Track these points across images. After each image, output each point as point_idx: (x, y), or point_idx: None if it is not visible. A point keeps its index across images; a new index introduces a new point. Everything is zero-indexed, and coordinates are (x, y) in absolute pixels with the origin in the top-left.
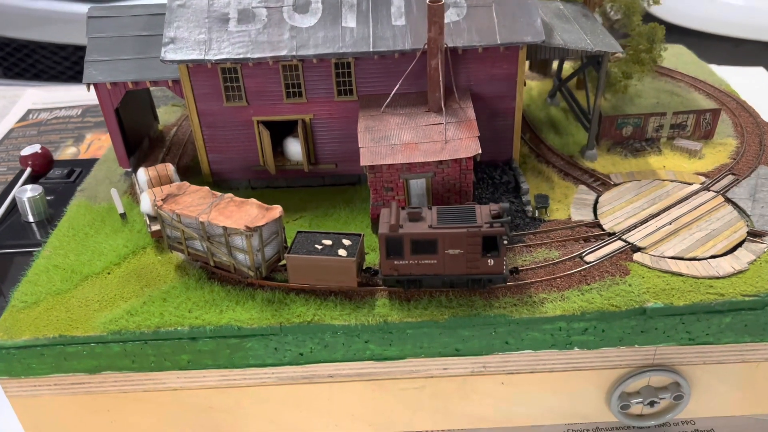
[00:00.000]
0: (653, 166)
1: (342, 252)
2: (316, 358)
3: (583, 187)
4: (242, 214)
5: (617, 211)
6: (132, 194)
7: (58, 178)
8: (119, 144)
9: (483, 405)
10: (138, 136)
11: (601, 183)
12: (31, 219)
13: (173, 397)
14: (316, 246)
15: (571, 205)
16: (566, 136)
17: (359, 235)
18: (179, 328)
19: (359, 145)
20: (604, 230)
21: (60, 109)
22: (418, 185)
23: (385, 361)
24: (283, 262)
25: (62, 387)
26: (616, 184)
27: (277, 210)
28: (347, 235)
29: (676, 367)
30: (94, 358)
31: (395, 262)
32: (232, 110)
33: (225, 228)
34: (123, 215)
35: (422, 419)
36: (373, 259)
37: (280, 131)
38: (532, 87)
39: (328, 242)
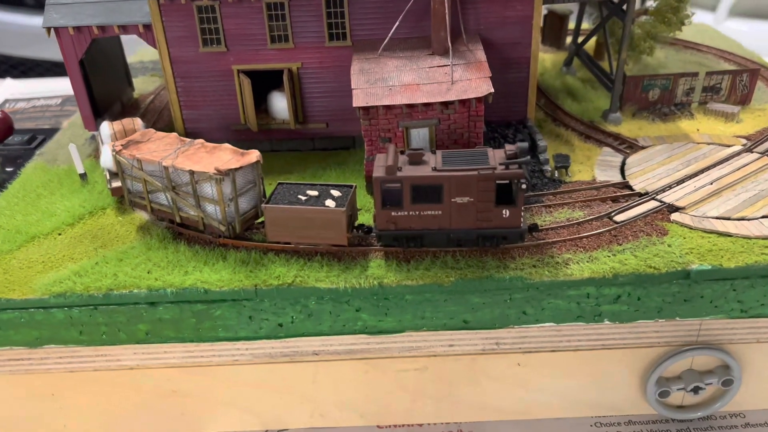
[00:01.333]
0: (685, 130)
1: (330, 203)
2: (298, 331)
3: (607, 149)
4: (213, 159)
5: (648, 172)
6: (97, 157)
7: (18, 144)
8: (84, 102)
9: (495, 392)
10: (108, 98)
11: (628, 146)
12: None
13: (130, 377)
14: (300, 197)
15: (595, 166)
16: (585, 102)
17: (351, 186)
18: (135, 291)
19: (352, 86)
20: (634, 191)
21: (39, 99)
22: (419, 135)
23: (380, 335)
24: (262, 219)
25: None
26: (644, 147)
27: (253, 154)
28: (337, 186)
29: (725, 345)
30: (34, 327)
31: (392, 214)
32: (209, 57)
33: (192, 173)
34: (83, 176)
35: (423, 409)
36: (367, 220)
37: (264, 85)
38: (546, 59)
39: (314, 193)
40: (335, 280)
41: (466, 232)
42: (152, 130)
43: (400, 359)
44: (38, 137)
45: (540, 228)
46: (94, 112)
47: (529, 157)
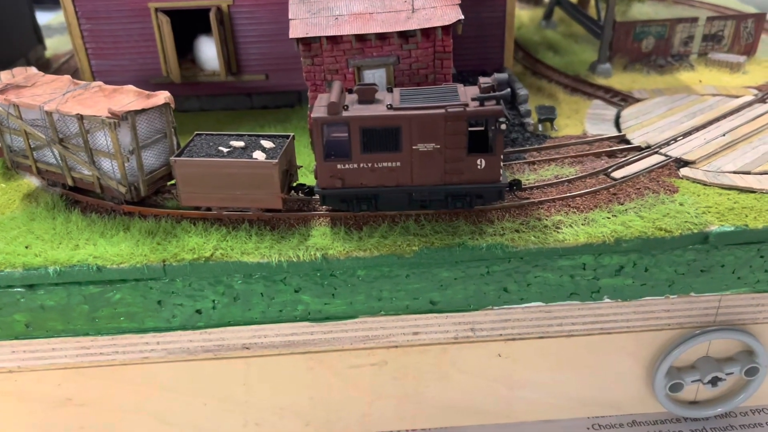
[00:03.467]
0: (686, 82)
1: (259, 155)
2: (222, 319)
3: (597, 101)
4: (111, 103)
5: (647, 125)
6: None
7: None
8: None
9: (471, 389)
10: (7, 52)
11: (621, 98)
12: None
13: (11, 384)
14: (221, 149)
15: (585, 119)
16: (569, 55)
17: (287, 135)
18: (7, 271)
19: (290, 16)
20: (632, 144)
21: None
22: (375, 77)
23: (327, 321)
24: (174, 181)
25: None
26: (639, 100)
27: (161, 95)
28: (269, 137)
29: (749, 326)
30: None
31: (338, 167)
32: None
33: (80, 118)
34: None
35: (382, 413)
36: (310, 180)
37: (190, 29)
38: (522, 15)
39: (239, 144)
40: (266, 252)
41: (431, 190)
42: (39, 73)
43: (353, 352)
44: None
45: (524, 186)
46: None
47: (509, 89)
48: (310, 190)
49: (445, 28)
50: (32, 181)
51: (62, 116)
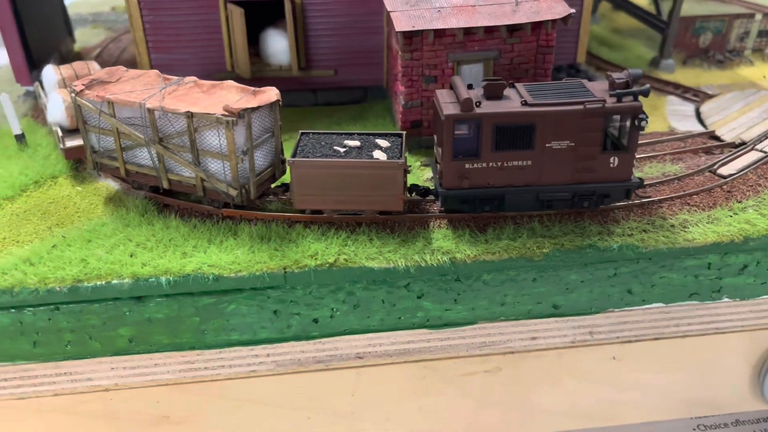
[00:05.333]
0: (749, 77)
1: (379, 155)
2: (338, 328)
3: (672, 97)
4: (215, 100)
5: (731, 121)
6: (36, 116)
7: None
8: (16, 50)
9: (582, 394)
10: (44, 48)
11: (693, 94)
12: None
13: (104, 402)
14: (336, 148)
15: (667, 115)
16: (623, 50)
17: (399, 134)
18: (115, 282)
19: (387, 8)
20: (724, 141)
21: None
22: (471, 73)
23: (445, 328)
24: (279, 182)
25: None
26: (712, 95)
27: (271, 91)
28: (382, 135)
29: None
30: None
31: (466, 167)
32: None
33: (190, 116)
34: (20, 137)
35: (487, 421)
36: (412, 181)
37: (253, 22)
38: None
39: (354, 143)
40: (392, 257)
41: (559, 189)
42: (122, 68)
43: (468, 359)
44: None
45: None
46: (29, 64)
47: (648, 86)
48: (425, 191)
49: (553, 23)
50: (110, 184)
51: (166, 114)
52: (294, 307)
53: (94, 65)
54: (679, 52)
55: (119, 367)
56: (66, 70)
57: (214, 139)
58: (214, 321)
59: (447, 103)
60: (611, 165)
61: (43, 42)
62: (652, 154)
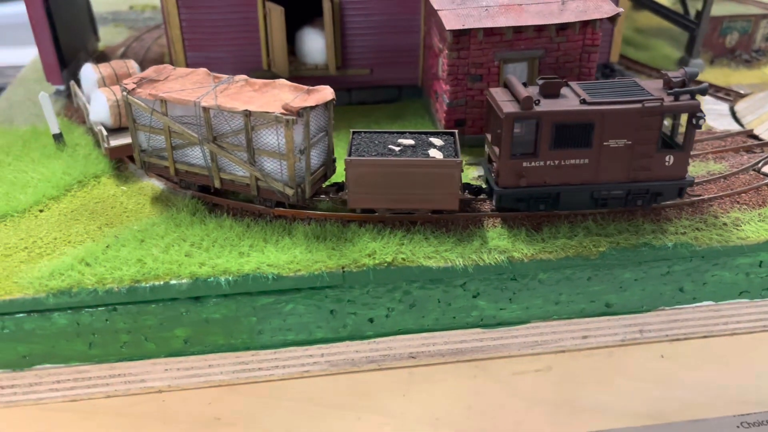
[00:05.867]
0: None
1: (435, 153)
2: (393, 327)
3: (706, 97)
4: (270, 99)
5: (767, 120)
6: (69, 116)
7: None
8: (48, 49)
9: (629, 392)
10: (72, 47)
11: (725, 93)
12: None
13: (156, 404)
14: (391, 147)
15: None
16: (649, 50)
17: (452, 132)
18: (173, 282)
19: (435, 7)
20: (761, 139)
21: None
22: (517, 71)
23: (499, 327)
24: (331, 181)
25: None
26: (744, 95)
27: (326, 90)
28: (434, 133)
29: None
30: (22, 340)
31: (524, 165)
32: None
33: (248, 114)
34: (58, 136)
35: (536, 420)
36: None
37: (290, 20)
38: None
39: (409, 142)
40: (449, 256)
41: (613, 188)
42: (169, 66)
43: (519, 358)
44: None
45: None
46: (60, 61)
47: (706, 84)
48: (478, 189)
49: (599, 22)
50: (154, 183)
51: (222, 113)
52: (351, 307)
53: (133, 64)
54: (706, 52)
55: (173, 368)
56: (105, 68)
57: (271, 137)
58: (271, 321)
59: (505, 102)
60: (666, 163)
61: (72, 41)
62: (695, 152)
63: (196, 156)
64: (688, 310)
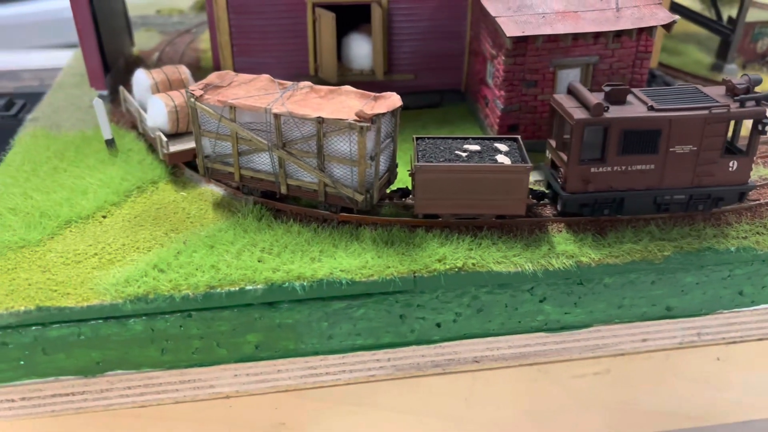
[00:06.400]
0: None
1: (503, 159)
2: (459, 332)
3: None
4: (338, 106)
5: None
6: (116, 121)
7: None
8: (93, 55)
9: (683, 394)
10: (113, 52)
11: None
12: None
13: (223, 410)
14: (458, 153)
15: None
16: (680, 55)
17: (515, 137)
18: (249, 288)
19: (493, 14)
20: None
21: None
22: (570, 77)
23: (562, 331)
24: (394, 187)
25: (35, 403)
26: None
27: (394, 97)
28: (498, 139)
29: None
30: (96, 346)
31: (591, 170)
32: None
33: (320, 121)
34: (110, 141)
35: (591, 421)
36: None
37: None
38: None
39: (475, 147)
40: (518, 261)
41: (676, 193)
42: (231, 72)
43: (579, 362)
44: (17, 102)
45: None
46: (104, 67)
47: None
48: (541, 194)
49: (652, 29)
50: (213, 189)
51: (294, 119)
52: (420, 312)
53: (184, 69)
54: (738, 57)
55: (242, 373)
56: (158, 74)
57: (342, 144)
58: (341, 326)
59: (574, 108)
60: (730, 169)
61: (113, 46)
62: None
63: (263, 162)
64: (746, 313)
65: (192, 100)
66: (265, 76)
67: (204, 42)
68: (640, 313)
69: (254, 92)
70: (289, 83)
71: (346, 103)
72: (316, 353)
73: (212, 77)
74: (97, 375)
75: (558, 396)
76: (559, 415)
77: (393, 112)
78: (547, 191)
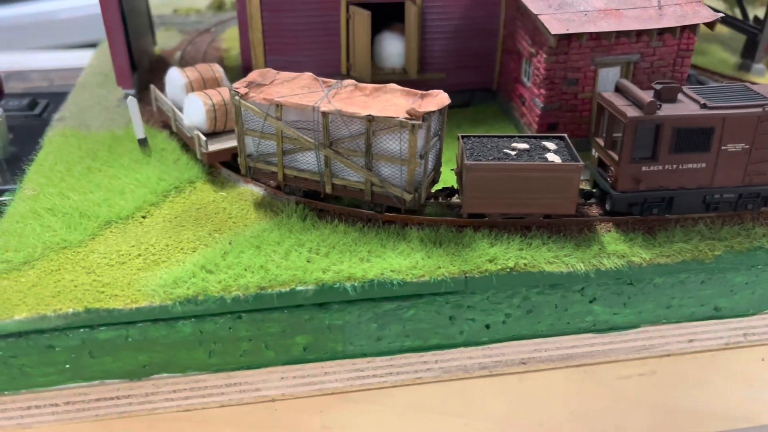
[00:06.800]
0: None
1: (553, 157)
2: (508, 333)
3: None
4: (385, 104)
5: None
6: (146, 120)
7: (16, 109)
8: (121, 53)
9: (726, 395)
10: (138, 51)
11: None
12: None
13: (268, 413)
14: (507, 151)
15: None
16: (705, 55)
17: (562, 136)
18: (300, 288)
19: (534, 12)
20: None
21: None
22: (608, 77)
23: (610, 332)
24: (439, 186)
25: (80, 407)
26: None
27: (441, 95)
28: (544, 137)
29: None
30: (144, 349)
31: (643, 169)
32: None
33: (370, 119)
34: (143, 141)
35: (637, 422)
36: None
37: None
38: None
39: (523, 146)
40: (570, 261)
41: (726, 192)
42: (272, 70)
43: (626, 363)
44: (40, 101)
45: None
46: (131, 66)
47: None
48: (588, 193)
49: (691, 32)
50: (252, 188)
51: (342, 117)
52: (470, 313)
53: (218, 67)
54: (765, 56)
55: (289, 376)
56: (192, 72)
57: (392, 142)
58: (391, 327)
59: (625, 106)
60: None
61: (139, 45)
62: None
63: (307, 161)
64: None
65: (237, 98)
66: (308, 74)
67: (225, 41)
68: (689, 314)
69: (298, 90)
70: (332, 81)
71: (392, 101)
72: (364, 355)
73: (254, 75)
74: (143, 378)
75: (603, 397)
76: (604, 416)
77: (441, 111)
78: (593, 190)
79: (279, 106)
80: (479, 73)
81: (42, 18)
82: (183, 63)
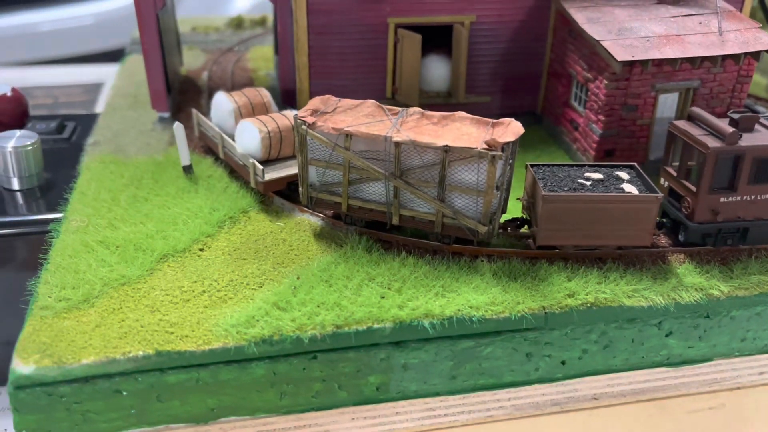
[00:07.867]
0: None
1: (629, 188)
2: (583, 369)
3: None
4: (456, 133)
5: None
6: (195, 146)
7: (45, 132)
8: (158, 76)
9: None
10: (170, 73)
11: None
12: (15, 185)
13: None
14: (581, 182)
15: None
16: None
17: (632, 165)
18: (376, 327)
19: (596, 38)
20: None
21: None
22: (667, 103)
23: (683, 365)
24: (507, 216)
25: None
26: None
27: (514, 123)
28: (615, 167)
29: None
30: (214, 392)
31: (721, 200)
32: (359, 5)
33: (446, 150)
34: (188, 168)
35: None
36: None
37: None
38: None
39: (597, 176)
40: (648, 294)
41: None
42: (333, 97)
43: (696, 396)
44: (67, 124)
45: None
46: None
47: None
48: (659, 224)
49: (751, 59)
50: (310, 219)
51: (417, 146)
52: (547, 349)
53: (265, 92)
54: None
55: (359, 416)
56: (239, 97)
57: (468, 173)
58: (467, 365)
59: (704, 136)
60: None
61: (172, 67)
62: None
63: (374, 191)
64: None
65: (304, 127)
66: (371, 102)
67: (251, 61)
68: (762, 346)
69: (363, 119)
70: (397, 109)
71: (463, 130)
72: (437, 394)
73: (316, 102)
74: (209, 422)
75: (672, 431)
76: None
77: (516, 141)
78: (664, 220)
79: (348, 136)
80: (524, 96)
81: (23, 30)
82: (211, 84)
